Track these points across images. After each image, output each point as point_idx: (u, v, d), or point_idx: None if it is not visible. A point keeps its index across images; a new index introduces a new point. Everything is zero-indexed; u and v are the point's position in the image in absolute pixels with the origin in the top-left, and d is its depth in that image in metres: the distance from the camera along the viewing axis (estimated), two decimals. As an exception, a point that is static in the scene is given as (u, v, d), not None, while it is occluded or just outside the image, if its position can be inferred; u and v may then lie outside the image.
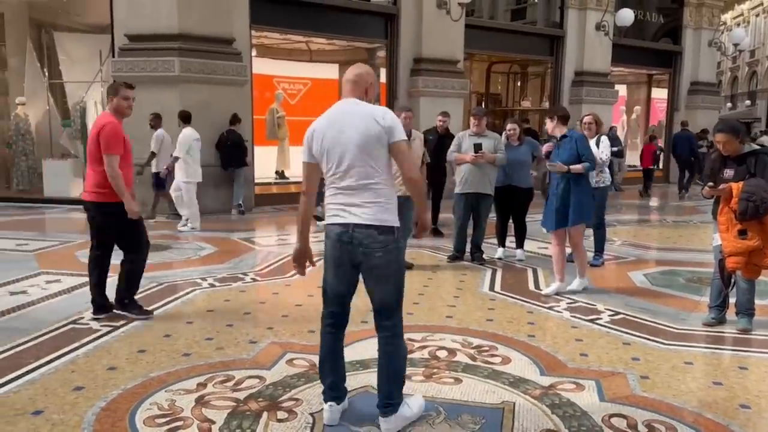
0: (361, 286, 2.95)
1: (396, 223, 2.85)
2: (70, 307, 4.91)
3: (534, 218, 7.55)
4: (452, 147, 6.82)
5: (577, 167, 5.42)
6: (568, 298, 5.44)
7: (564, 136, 5.56)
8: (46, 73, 12.69)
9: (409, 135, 6.44)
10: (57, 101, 12.87)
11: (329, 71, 14.13)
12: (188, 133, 8.76)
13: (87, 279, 4.81)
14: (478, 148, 6.54)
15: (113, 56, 10.42)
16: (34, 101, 12.48)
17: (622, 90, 17.77)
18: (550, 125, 5.64)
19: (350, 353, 3.91)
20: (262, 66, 12.48)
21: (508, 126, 7.03)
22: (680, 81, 18.12)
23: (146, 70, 9.96)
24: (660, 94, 18.82)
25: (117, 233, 4.62)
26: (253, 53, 11.57)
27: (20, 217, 9.82)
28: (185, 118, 8.95)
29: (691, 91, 18.18)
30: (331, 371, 3.03)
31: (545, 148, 6.10)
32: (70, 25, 12.80)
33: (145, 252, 4.80)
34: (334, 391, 3.04)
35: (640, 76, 19.02)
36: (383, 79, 13.22)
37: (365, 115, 2.81)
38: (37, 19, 12.68)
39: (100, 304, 4.69)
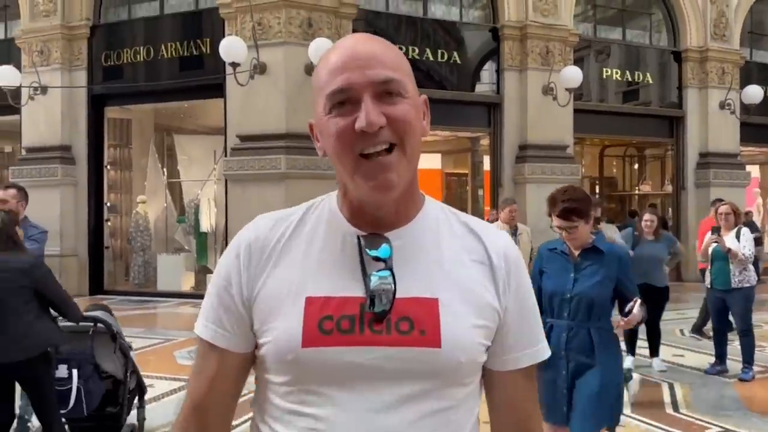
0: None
1: None
2: (157, 417, 4.71)
3: (666, 321, 6.63)
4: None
5: (636, 314, 2.92)
6: (715, 425, 4.51)
7: (592, 249, 3.05)
8: (165, 172, 13.52)
9: (514, 230, 5.96)
10: (174, 198, 13.63)
11: (432, 161, 14.04)
12: None
13: (182, 384, 5.40)
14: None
15: (225, 155, 10.86)
16: (154, 199, 13.24)
17: (754, 171, 16.28)
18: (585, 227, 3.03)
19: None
20: (366, 159, 12.58)
21: (646, 217, 6.28)
22: (822, 158, 16.39)
23: (255, 168, 10.26)
24: (799, 173, 17.07)
25: None
26: (356, 147, 11.70)
27: (132, 312, 10.10)
28: None
29: (835, 169, 16.35)
30: None
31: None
32: (188, 127, 13.71)
33: None
34: None
35: (774, 155, 17.43)
36: (487, 167, 12.89)
37: None
38: (161, 123, 13.70)
39: None
